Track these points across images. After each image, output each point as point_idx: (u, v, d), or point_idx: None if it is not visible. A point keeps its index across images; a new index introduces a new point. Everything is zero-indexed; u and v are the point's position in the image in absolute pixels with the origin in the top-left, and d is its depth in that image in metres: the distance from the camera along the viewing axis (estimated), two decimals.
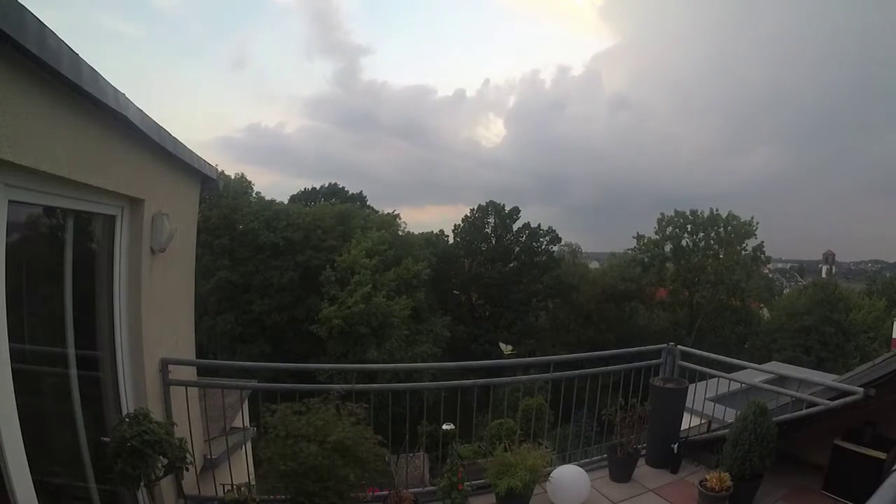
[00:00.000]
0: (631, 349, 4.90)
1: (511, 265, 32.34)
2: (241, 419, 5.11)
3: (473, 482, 3.77)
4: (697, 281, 32.11)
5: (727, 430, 3.90)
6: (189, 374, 3.77)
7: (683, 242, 33.26)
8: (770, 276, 40.90)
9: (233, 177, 29.37)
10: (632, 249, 35.41)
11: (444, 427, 5.13)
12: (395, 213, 33.12)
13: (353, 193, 38.08)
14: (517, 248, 32.71)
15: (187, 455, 2.71)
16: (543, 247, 33.20)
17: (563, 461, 4.35)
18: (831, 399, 3.84)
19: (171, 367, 3.37)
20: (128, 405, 2.98)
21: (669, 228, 33.44)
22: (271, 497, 3.37)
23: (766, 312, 33.80)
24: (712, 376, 4.66)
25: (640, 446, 4.41)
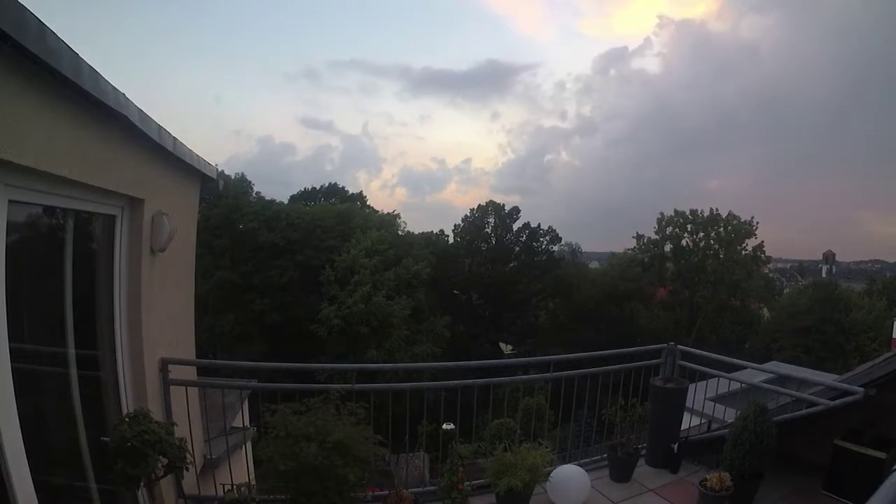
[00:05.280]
0: (631, 349, 4.90)
1: (511, 265, 32.36)
2: (241, 419, 5.10)
3: (473, 482, 3.77)
4: (697, 281, 32.11)
5: (727, 430, 3.90)
6: (189, 373, 3.77)
7: (683, 242, 33.27)
8: (770, 276, 40.88)
9: (233, 177, 29.41)
10: (632, 249, 35.42)
11: (445, 427, 5.12)
12: (395, 212, 33.20)
13: (352, 193, 38.12)
14: (517, 248, 32.73)
15: (187, 455, 2.70)
16: (543, 247, 33.24)
17: (563, 461, 4.36)
18: (831, 399, 3.85)
19: (171, 366, 3.37)
20: (128, 405, 2.98)
21: (669, 228, 33.45)
22: (271, 497, 3.37)
23: (766, 312, 33.79)
24: (712, 376, 4.66)
25: (640, 446, 4.41)
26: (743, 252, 31.96)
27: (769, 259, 34.70)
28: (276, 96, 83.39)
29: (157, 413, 2.99)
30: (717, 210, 32.52)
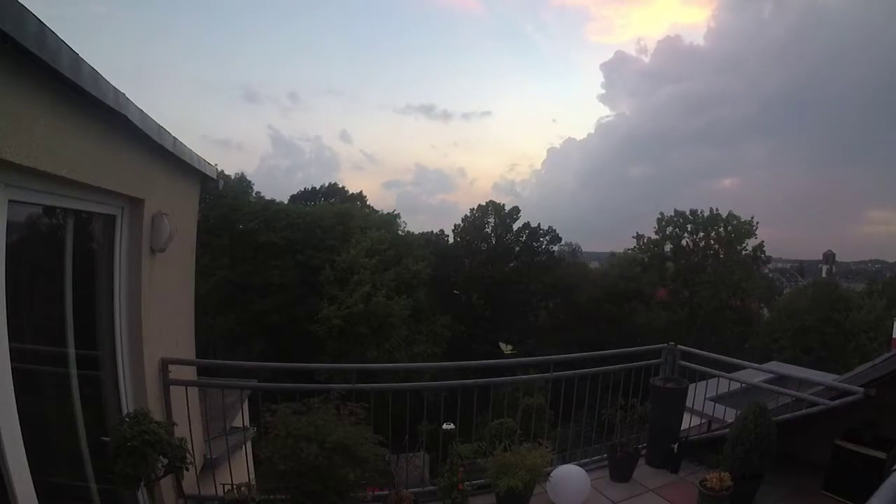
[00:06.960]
0: (631, 349, 4.90)
1: (511, 265, 32.37)
2: (241, 419, 5.11)
3: (473, 482, 3.77)
4: (697, 281, 32.10)
5: (727, 430, 3.90)
6: (189, 373, 3.77)
7: (683, 242, 33.28)
8: (770, 276, 40.88)
9: (233, 177, 29.42)
10: (632, 249, 35.43)
11: (445, 427, 5.13)
12: (395, 212, 33.20)
13: (352, 193, 38.11)
14: (517, 248, 32.73)
15: (187, 455, 2.70)
16: (543, 247, 33.25)
17: (563, 461, 4.35)
18: (831, 399, 3.85)
19: (171, 366, 3.37)
20: (128, 405, 2.98)
21: (669, 228, 33.45)
22: (271, 497, 3.37)
23: (766, 312, 33.80)
24: (712, 376, 4.66)
25: (640, 446, 4.41)
26: (743, 252, 31.97)
27: (769, 259, 34.72)
28: (257, 111, 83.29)
29: (157, 413, 2.99)
30: (717, 210, 32.58)
